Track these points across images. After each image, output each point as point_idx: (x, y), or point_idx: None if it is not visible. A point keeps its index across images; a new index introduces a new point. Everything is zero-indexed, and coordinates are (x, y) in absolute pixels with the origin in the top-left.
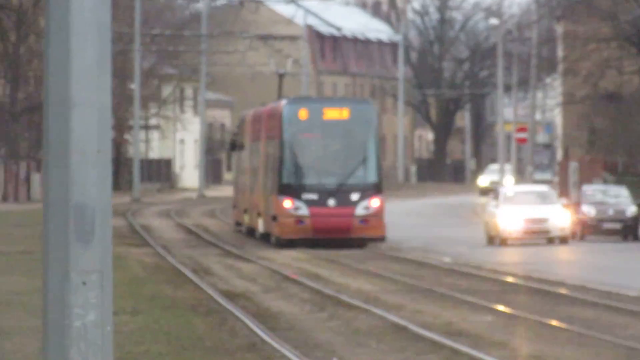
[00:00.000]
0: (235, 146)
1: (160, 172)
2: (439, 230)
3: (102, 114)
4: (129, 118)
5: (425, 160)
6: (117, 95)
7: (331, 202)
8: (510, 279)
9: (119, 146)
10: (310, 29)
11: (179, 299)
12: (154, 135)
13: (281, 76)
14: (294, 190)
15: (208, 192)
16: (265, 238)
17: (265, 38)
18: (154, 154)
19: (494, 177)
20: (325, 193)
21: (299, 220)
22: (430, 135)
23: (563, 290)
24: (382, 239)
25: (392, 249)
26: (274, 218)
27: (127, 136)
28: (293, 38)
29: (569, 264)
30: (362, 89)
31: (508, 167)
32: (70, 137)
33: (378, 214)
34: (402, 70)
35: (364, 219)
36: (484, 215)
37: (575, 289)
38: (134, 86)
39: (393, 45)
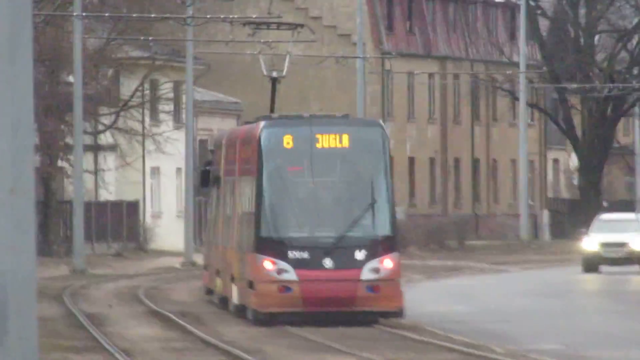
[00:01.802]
0: (206, 181)
1: (120, 224)
2: (591, 320)
3: (16, 128)
4: (63, 133)
5: (566, 201)
6: (43, 94)
7: (328, 262)
8: None
9: (48, 181)
10: None
11: None
12: (109, 161)
13: (274, 81)
14: (276, 247)
15: (201, 256)
16: (243, 311)
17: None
18: (109, 193)
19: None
20: (319, 250)
21: (284, 287)
22: (573, 161)
23: None
24: (398, 314)
25: (512, 355)
26: (250, 285)
27: (61, 164)
28: (291, 27)
29: None
30: (455, 83)
31: None
32: None
33: (393, 277)
34: (523, 51)
35: (373, 286)
36: None
37: None
38: (72, 78)
39: (509, 9)
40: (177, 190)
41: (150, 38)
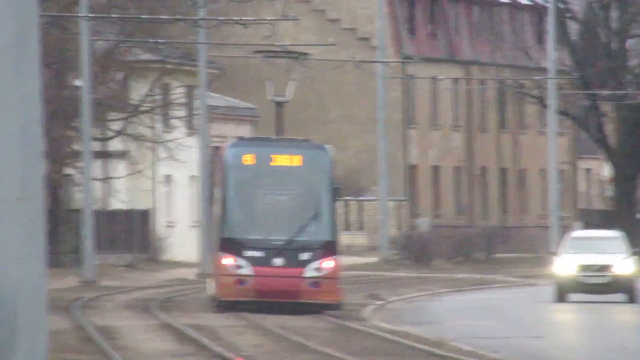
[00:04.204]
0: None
1: (131, 234)
2: (624, 335)
3: (24, 134)
4: (71, 139)
5: (598, 212)
6: (51, 98)
7: (278, 261)
8: None
9: (55, 189)
10: None
11: None
12: (119, 169)
13: (279, 105)
14: (236, 247)
15: None
16: (224, 304)
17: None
18: (119, 202)
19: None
20: (271, 250)
21: (240, 280)
22: (605, 170)
23: None
24: (337, 307)
25: None
26: (215, 278)
27: (70, 171)
28: (299, 55)
29: None
30: (481, 89)
31: None
32: None
33: (332, 276)
34: (552, 56)
35: (315, 282)
36: None
37: None
38: (80, 82)
39: (537, 12)
40: (191, 199)
41: (160, 40)
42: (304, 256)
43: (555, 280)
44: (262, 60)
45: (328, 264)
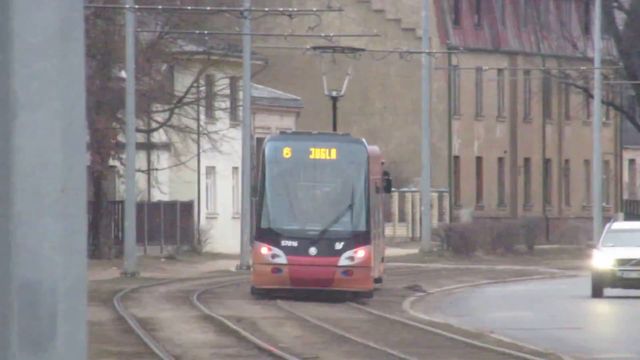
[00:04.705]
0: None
1: (173, 225)
2: None
3: (68, 124)
4: (116, 131)
5: None
6: (95, 90)
7: (312, 250)
8: None
9: (98, 181)
10: None
11: None
12: (162, 160)
13: (334, 100)
14: (272, 236)
15: None
16: (260, 292)
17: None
18: (162, 193)
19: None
20: (306, 240)
21: (276, 268)
22: None
23: None
24: (369, 294)
25: None
26: (252, 266)
27: (113, 162)
28: (355, 51)
29: None
30: (526, 79)
31: None
32: (13, 167)
33: (364, 265)
34: (599, 46)
35: (348, 271)
36: None
37: None
38: (125, 73)
39: (583, 2)
40: (233, 191)
41: (205, 32)
42: (338, 246)
43: (592, 274)
44: (316, 54)
45: (360, 253)
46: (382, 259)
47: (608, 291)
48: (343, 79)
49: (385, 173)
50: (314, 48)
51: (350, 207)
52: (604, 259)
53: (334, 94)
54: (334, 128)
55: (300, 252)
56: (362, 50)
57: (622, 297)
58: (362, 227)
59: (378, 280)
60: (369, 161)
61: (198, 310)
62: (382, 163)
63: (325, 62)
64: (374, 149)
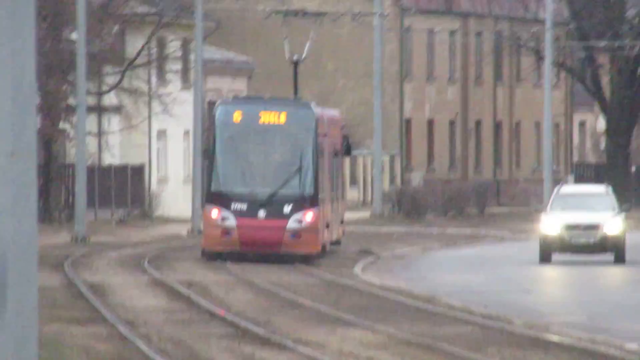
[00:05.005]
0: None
1: (124, 189)
2: (615, 291)
3: (18, 87)
4: (66, 93)
5: (592, 166)
6: (45, 52)
7: (261, 213)
8: None
9: (49, 144)
10: None
11: None
12: (113, 123)
13: (296, 64)
14: (222, 200)
15: None
16: (210, 255)
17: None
18: (113, 157)
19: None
20: (255, 203)
21: (226, 231)
22: (600, 123)
23: None
24: (316, 256)
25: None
26: (203, 229)
27: (63, 126)
28: (318, 14)
29: None
30: (479, 41)
31: None
32: None
33: (312, 228)
34: (550, 7)
35: (296, 234)
36: None
37: None
38: (76, 35)
39: None
40: (184, 154)
41: None
42: (286, 209)
43: (540, 240)
44: (270, 17)
45: (309, 216)
46: (342, 222)
47: (556, 256)
48: (301, 42)
49: (345, 137)
50: (276, 12)
51: (299, 170)
52: (552, 224)
53: (295, 57)
54: (295, 92)
55: (249, 215)
56: (324, 14)
57: (570, 262)
58: (310, 191)
59: (337, 242)
60: (317, 125)
61: (149, 275)
62: (342, 127)
63: (286, 26)
64: (332, 112)
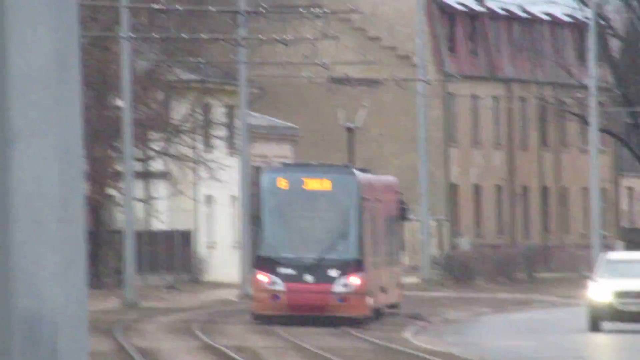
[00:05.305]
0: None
1: (172, 255)
2: None
3: (65, 154)
4: (113, 160)
5: None
6: (92, 118)
7: (308, 277)
8: None
9: (97, 210)
10: (430, 1)
11: None
12: (160, 189)
13: (350, 131)
14: (270, 264)
15: None
16: (260, 318)
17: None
18: (161, 222)
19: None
20: (302, 268)
21: (275, 295)
22: None
23: None
24: (363, 320)
25: None
26: (252, 294)
27: (111, 191)
28: (370, 82)
29: None
30: (522, 106)
31: None
32: (11, 197)
33: (359, 292)
34: (593, 73)
35: (343, 297)
36: None
37: None
38: (122, 103)
39: (578, 28)
40: (232, 219)
41: (201, 60)
42: (333, 273)
43: (588, 307)
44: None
45: (354, 280)
46: (400, 285)
47: (605, 324)
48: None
49: (401, 202)
50: (332, 80)
51: (343, 235)
52: (600, 291)
53: (349, 125)
54: (349, 158)
55: (296, 279)
56: (379, 81)
57: (622, 330)
58: (355, 255)
59: (394, 306)
60: (361, 190)
61: (199, 340)
62: (397, 192)
63: (332, 93)
64: (387, 178)
